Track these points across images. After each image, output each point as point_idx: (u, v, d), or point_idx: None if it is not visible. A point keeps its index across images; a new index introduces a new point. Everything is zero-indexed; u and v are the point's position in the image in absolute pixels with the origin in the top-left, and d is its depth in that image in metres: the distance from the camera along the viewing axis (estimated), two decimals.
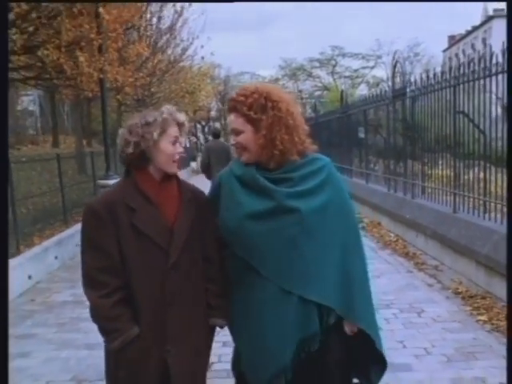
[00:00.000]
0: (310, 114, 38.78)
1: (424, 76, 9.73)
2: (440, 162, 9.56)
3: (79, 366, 4.86)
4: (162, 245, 2.53)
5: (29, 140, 24.08)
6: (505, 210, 6.93)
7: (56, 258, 8.97)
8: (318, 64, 74.89)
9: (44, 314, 6.58)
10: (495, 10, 61.99)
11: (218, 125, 72.54)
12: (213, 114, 51.85)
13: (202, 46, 25.87)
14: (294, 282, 2.55)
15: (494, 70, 7.04)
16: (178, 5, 22.89)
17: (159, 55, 21.41)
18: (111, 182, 11.04)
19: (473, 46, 69.34)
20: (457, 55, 76.17)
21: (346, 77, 74.99)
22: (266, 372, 2.60)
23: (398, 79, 11.73)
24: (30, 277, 7.76)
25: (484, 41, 63.44)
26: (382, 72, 73.08)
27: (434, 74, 9.21)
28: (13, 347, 5.33)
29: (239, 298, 2.67)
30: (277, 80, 76.86)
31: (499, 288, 6.51)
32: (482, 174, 7.86)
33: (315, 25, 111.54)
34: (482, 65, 7.39)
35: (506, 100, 6.62)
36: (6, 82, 2.84)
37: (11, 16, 8.34)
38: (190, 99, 31.81)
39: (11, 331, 5.66)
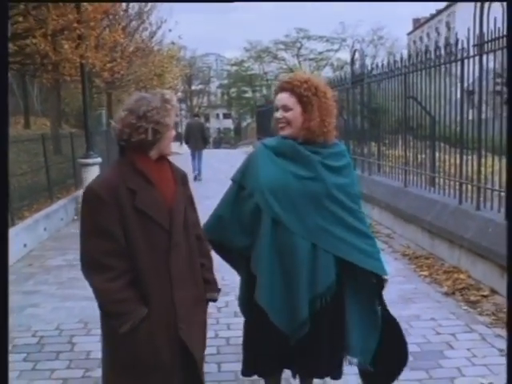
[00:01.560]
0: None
1: (380, 64, 10.72)
2: (393, 143, 10.61)
3: (83, 312, 5.71)
4: (164, 225, 2.61)
5: None
6: (450, 183, 8.00)
7: (45, 229, 9.79)
8: (283, 46, 75.12)
9: (43, 275, 7.42)
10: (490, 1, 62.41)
11: (183, 105, 72.61)
12: (180, 94, 52.41)
13: (170, 30, 26.73)
14: (319, 237, 3.01)
15: (437, 62, 8.06)
16: None
17: (128, 39, 22.00)
18: (91, 160, 11.88)
19: (437, 30, 70.49)
20: (421, 38, 77.46)
21: (310, 59, 75.55)
22: (298, 312, 3.00)
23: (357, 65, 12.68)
24: (25, 245, 8.59)
25: (448, 24, 64.30)
26: (346, 55, 73.90)
27: (388, 63, 10.21)
28: (22, 301, 6.27)
29: (271, 255, 3.01)
30: (242, 62, 77.42)
31: (440, 250, 7.60)
32: (429, 153, 8.91)
33: (280, 7, 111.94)
34: (427, 55, 8.40)
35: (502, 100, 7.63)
36: (5, 82, 2.82)
37: None
38: (158, 81, 32.28)
39: (17, 288, 6.56)
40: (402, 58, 9.48)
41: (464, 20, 6.62)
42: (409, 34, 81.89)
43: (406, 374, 4.32)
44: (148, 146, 2.63)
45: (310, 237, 2.98)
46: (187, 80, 67.22)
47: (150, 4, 24.83)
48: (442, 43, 7.56)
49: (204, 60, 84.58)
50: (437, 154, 8.80)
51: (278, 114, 3.08)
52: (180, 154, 21.65)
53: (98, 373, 4.27)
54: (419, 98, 9.04)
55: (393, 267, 7.26)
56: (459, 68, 7.35)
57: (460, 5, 58.30)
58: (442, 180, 8.35)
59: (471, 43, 6.99)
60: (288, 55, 76.45)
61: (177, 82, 39.67)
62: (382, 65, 10.51)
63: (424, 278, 6.88)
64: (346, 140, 13.48)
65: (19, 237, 8.48)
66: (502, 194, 6.44)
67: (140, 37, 25.68)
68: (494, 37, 6.49)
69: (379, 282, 3.15)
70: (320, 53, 74.40)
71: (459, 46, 7.31)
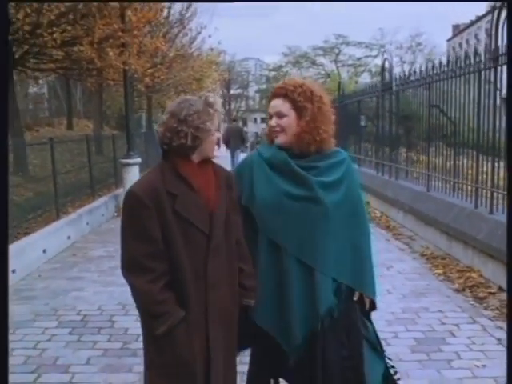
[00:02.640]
0: None
1: (405, 73, 11.17)
2: (420, 150, 11.05)
3: (122, 296, 6.27)
4: (203, 229, 2.59)
5: (45, 122, 25.48)
6: (467, 188, 8.42)
7: (87, 223, 10.51)
8: (321, 52, 75.41)
9: (86, 264, 8.09)
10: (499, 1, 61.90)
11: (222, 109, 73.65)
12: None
13: (210, 36, 27.42)
14: (316, 259, 2.85)
15: (458, 72, 8.50)
16: None
17: (169, 45, 22.73)
18: (132, 160, 12.59)
19: (476, 36, 70.12)
20: (460, 45, 77.03)
21: (349, 65, 75.72)
22: (296, 333, 2.86)
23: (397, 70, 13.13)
24: (69, 237, 9.28)
25: (487, 31, 63.97)
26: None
27: (414, 72, 10.65)
28: (67, 285, 6.94)
29: (267, 273, 2.88)
30: (280, 67, 78.01)
31: (456, 251, 8.03)
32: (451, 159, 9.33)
33: (320, 12, 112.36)
34: (451, 66, 8.84)
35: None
36: (6, 82, 2.82)
37: (52, 16, 9.79)
38: (197, 86, 33.06)
39: (63, 275, 7.23)
40: (426, 67, 9.93)
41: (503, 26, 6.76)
42: (448, 40, 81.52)
43: (407, 356, 4.86)
44: (189, 150, 2.62)
45: (306, 258, 2.86)
46: (226, 84, 67.99)
47: (190, 10, 25.60)
48: (481, 50, 7.75)
49: (243, 65, 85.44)
50: (461, 161, 9.18)
51: (273, 122, 2.95)
52: (217, 157, 22.31)
53: (135, 345, 4.94)
54: (443, 106, 9.47)
55: (409, 266, 7.76)
56: (476, 79, 7.79)
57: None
58: (461, 185, 8.76)
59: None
60: (326, 61, 76.73)
61: (215, 86, 40.51)
62: (409, 73, 10.94)
63: (438, 275, 7.33)
64: (376, 146, 13.97)
65: (63, 229, 9.19)
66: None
67: (180, 42, 26.43)
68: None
69: (369, 302, 3.06)
70: (358, 59, 74.53)
71: (477, 59, 7.75)
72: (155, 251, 2.53)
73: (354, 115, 16.13)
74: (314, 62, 77.11)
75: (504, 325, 5.50)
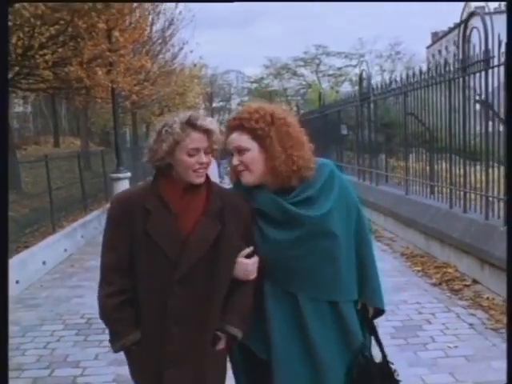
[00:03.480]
0: (295, 112, 40.55)
1: (383, 83, 11.73)
2: (397, 156, 11.59)
3: None
4: (170, 256, 2.37)
5: (32, 141, 25.82)
6: (443, 190, 8.94)
7: (82, 236, 10.92)
8: (302, 63, 76.37)
9: (84, 274, 8.50)
10: (476, 8, 62.48)
11: None
12: (201, 112, 53.69)
13: (192, 51, 27.88)
14: (338, 291, 2.57)
15: (430, 82, 9.05)
16: (168, 13, 24.79)
17: (152, 61, 23.21)
18: (122, 175, 13.03)
19: (455, 43, 71.26)
20: (440, 52, 78.12)
21: (329, 75, 76.68)
22: None
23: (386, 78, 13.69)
24: (65, 250, 9.70)
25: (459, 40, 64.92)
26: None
27: (391, 81, 11.21)
28: (69, 293, 7.36)
29: (279, 326, 2.53)
30: (262, 79, 78.84)
31: (434, 249, 8.54)
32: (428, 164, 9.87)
33: (299, 23, 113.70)
34: (424, 76, 9.39)
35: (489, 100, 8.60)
36: (5, 84, 2.79)
37: (42, 39, 10.24)
38: (180, 100, 33.56)
39: (63, 284, 7.64)
40: (401, 78, 10.48)
41: (479, 33, 7.08)
42: (428, 47, 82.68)
43: (387, 342, 5.26)
44: (166, 169, 2.45)
45: (327, 294, 2.55)
46: (208, 98, 68.42)
47: (172, 27, 26.08)
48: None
49: (224, 77, 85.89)
50: (438, 165, 9.69)
51: (234, 160, 2.54)
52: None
53: None
54: (419, 113, 10.01)
55: (390, 265, 8.26)
56: (446, 88, 8.34)
57: (477, 18, 58.73)
58: (437, 188, 9.29)
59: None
60: (307, 71, 77.66)
61: (198, 100, 41.05)
62: (385, 84, 11.50)
63: (417, 272, 7.83)
64: (357, 153, 14.51)
65: (60, 242, 9.61)
66: (487, 198, 7.36)
67: (163, 58, 26.90)
68: (475, 60, 7.48)
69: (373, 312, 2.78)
70: (339, 68, 75.53)
71: (447, 69, 8.31)
72: (118, 264, 2.42)
73: (335, 124, 16.67)
74: (295, 73, 78.03)
75: (476, 312, 6.01)
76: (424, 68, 9.87)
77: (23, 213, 10.03)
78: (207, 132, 2.39)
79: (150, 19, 21.13)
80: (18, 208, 9.84)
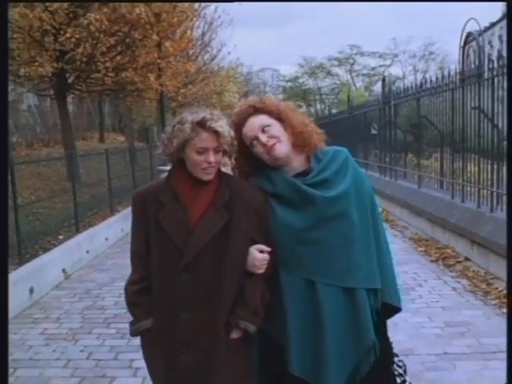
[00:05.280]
0: (326, 112, 41.71)
1: (401, 88, 13.14)
2: (414, 153, 12.98)
3: None
4: (178, 244, 2.47)
5: (80, 136, 27.75)
6: (447, 183, 10.33)
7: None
8: (336, 62, 77.36)
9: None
10: (471, 32, 60.99)
11: None
12: (216, 112, 55.14)
13: (229, 53, 29.56)
14: (353, 277, 2.58)
15: (437, 90, 10.45)
16: (208, 15, 26.48)
17: (193, 63, 24.91)
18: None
19: (490, 43, 71.41)
20: (474, 52, 78.30)
21: (363, 74, 77.71)
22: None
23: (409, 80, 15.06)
24: (122, 229, 11.35)
25: (500, 38, 64.90)
26: (398, 70, 75.84)
27: (407, 88, 12.60)
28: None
29: (295, 309, 2.56)
30: (297, 78, 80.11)
31: (437, 234, 9.94)
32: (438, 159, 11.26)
33: (334, 23, 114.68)
34: (432, 85, 10.78)
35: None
36: (5, 84, 2.88)
37: (103, 49, 11.92)
38: (217, 99, 35.21)
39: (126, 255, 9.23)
40: (416, 84, 11.87)
41: None
42: (462, 47, 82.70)
43: None
44: (179, 161, 2.54)
45: (336, 280, 2.57)
46: (244, 96, 69.80)
47: (211, 30, 27.75)
48: (494, 56, 8.24)
49: (260, 75, 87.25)
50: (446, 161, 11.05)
51: (263, 138, 2.59)
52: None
53: None
54: (432, 116, 11.39)
55: (399, 246, 9.69)
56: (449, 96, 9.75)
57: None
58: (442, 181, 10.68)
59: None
60: (341, 71, 78.65)
61: (234, 98, 42.70)
62: (404, 89, 12.90)
63: (420, 252, 9.27)
64: (379, 152, 15.91)
65: (118, 223, 11.30)
66: (481, 190, 8.72)
67: (202, 60, 28.59)
68: (472, 73, 8.86)
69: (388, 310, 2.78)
70: (373, 68, 76.34)
71: (451, 79, 9.70)
72: (141, 253, 2.57)
73: (363, 124, 18.03)
74: (329, 73, 79.02)
75: (462, 280, 7.43)
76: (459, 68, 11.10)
77: (84, 198, 11.68)
78: (216, 133, 2.45)
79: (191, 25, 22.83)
80: (79, 194, 11.47)
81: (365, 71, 77.02)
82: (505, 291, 6.75)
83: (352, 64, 76.99)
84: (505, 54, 7.59)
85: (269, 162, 2.63)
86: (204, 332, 2.48)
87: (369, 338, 2.57)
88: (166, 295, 2.50)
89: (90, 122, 33.17)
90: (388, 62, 75.42)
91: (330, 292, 2.54)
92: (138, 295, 2.56)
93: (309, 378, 2.55)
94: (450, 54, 74.93)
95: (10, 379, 4.73)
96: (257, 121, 2.63)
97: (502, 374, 4.59)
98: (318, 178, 2.60)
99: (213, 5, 24.98)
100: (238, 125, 2.64)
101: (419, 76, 61.64)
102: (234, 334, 2.52)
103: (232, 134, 2.51)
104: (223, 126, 2.47)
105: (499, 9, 62.46)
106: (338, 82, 78.68)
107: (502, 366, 4.72)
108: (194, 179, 2.52)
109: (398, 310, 2.84)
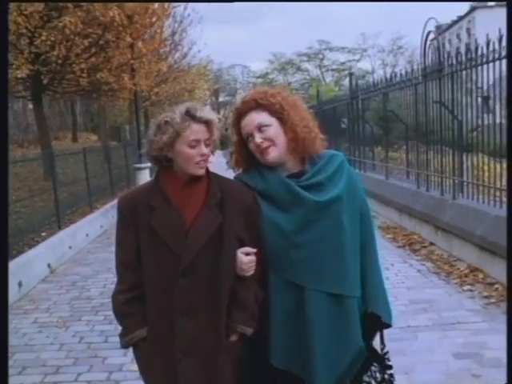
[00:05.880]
0: None
1: (368, 83, 13.66)
2: (381, 146, 13.51)
3: None
4: (174, 249, 2.40)
5: (53, 136, 27.86)
6: (413, 173, 10.85)
7: (112, 216, 12.83)
8: (306, 58, 78.05)
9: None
10: (479, 1, 60.06)
11: None
12: (208, 107, 55.65)
13: (199, 51, 29.91)
14: (343, 284, 2.52)
15: (401, 85, 10.96)
16: (178, 15, 26.77)
17: (164, 62, 25.21)
18: (143, 165, 15.00)
19: (458, 36, 72.45)
20: (443, 45, 79.32)
21: (333, 69, 78.45)
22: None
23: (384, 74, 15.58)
24: (101, 226, 11.71)
25: (468, 31, 65.84)
26: (367, 64, 76.85)
27: (374, 83, 13.12)
28: (112, 255, 9.34)
29: (282, 310, 2.51)
30: (266, 74, 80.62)
31: (404, 222, 10.49)
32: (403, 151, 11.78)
33: (303, 18, 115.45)
34: (397, 79, 11.29)
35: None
36: (5, 83, 2.81)
37: (78, 50, 12.23)
38: (189, 96, 35.50)
39: (106, 249, 9.59)
40: (381, 80, 12.39)
41: (484, 26, 7.97)
42: (431, 40, 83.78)
43: None
44: (164, 162, 2.47)
45: (333, 287, 2.51)
46: (214, 93, 70.16)
47: (180, 29, 28.03)
48: (462, 50, 8.43)
49: (230, 72, 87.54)
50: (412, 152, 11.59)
51: (257, 138, 2.52)
52: (210, 162, 24.81)
53: None
54: (398, 111, 11.92)
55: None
56: (412, 91, 10.27)
57: (480, 11, 59.77)
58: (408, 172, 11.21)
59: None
60: (311, 66, 79.32)
61: (205, 95, 43.06)
62: (370, 84, 13.43)
63: (388, 239, 9.78)
64: (348, 144, 16.43)
65: (97, 220, 11.67)
66: (444, 178, 9.24)
67: (172, 58, 28.87)
68: (434, 69, 9.38)
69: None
70: (342, 63, 77.15)
71: (413, 75, 10.22)
72: (129, 261, 2.47)
73: (332, 119, 18.50)
74: (299, 68, 79.69)
75: (426, 263, 7.94)
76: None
77: (63, 197, 11.95)
78: (207, 123, 2.41)
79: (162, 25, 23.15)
80: (58, 193, 11.76)
81: (334, 66, 77.84)
82: (466, 271, 7.30)
83: (321, 59, 77.76)
84: (463, 50, 8.14)
85: (261, 161, 2.57)
86: (203, 336, 2.43)
87: (356, 344, 2.51)
88: (162, 302, 2.43)
89: (62, 121, 33.28)
90: (357, 57, 76.42)
91: (317, 297, 2.48)
92: (129, 305, 2.47)
93: (293, 369, 2.52)
94: (418, 48, 76.13)
95: (9, 363, 5.09)
96: (255, 118, 2.55)
97: (460, 341, 5.15)
98: (312, 181, 2.55)
99: (182, 4, 25.27)
100: (239, 115, 2.60)
101: (388, 70, 62.66)
102: (233, 337, 2.50)
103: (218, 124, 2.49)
104: (212, 113, 2.45)
105: (466, 3, 63.55)
106: (308, 78, 79.32)
107: (460, 334, 5.32)
108: (183, 180, 2.46)
109: (386, 325, 2.68)
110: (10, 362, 5.10)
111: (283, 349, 2.50)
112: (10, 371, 4.91)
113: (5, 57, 2.82)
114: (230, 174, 2.74)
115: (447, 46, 74.88)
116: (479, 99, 8.53)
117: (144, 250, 2.43)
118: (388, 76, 12.33)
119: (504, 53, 6.82)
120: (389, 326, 2.68)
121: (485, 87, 7.99)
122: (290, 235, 2.46)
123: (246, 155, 2.62)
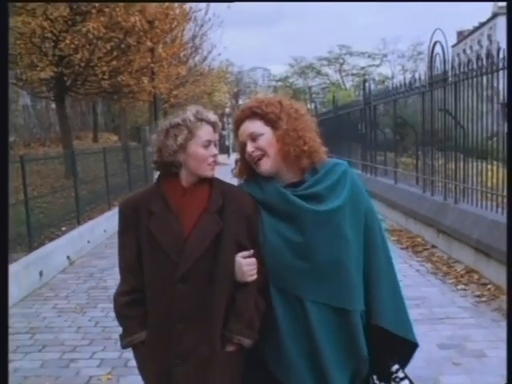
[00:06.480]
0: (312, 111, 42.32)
1: (382, 89, 14.03)
2: (392, 152, 13.88)
3: None
4: (171, 255, 2.36)
5: (74, 136, 28.53)
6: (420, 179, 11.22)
7: None
8: (326, 62, 78.26)
9: None
10: (500, 8, 59.41)
11: (231, 120, 76.07)
12: (227, 110, 56.29)
13: (219, 54, 30.43)
14: (347, 298, 2.42)
15: (410, 93, 11.34)
16: (199, 18, 27.31)
17: (184, 65, 25.76)
18: None
19: (479, 43, 72.32)
20: (464, 51, 78.78)
21: (353, 74, 78.66)
22: None
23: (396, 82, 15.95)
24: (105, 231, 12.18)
25: (489, 37, 65.62)
26: (387, 69, 76.88)
27: (387, 89, 13.49)
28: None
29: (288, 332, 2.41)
30: (286, 77, 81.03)
31: (410, 225, 10.85)
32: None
33: (324, 23, 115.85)
34: (405, 88, 11.67)
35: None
36: (6, 83, 2.83)
37: (100, 54, 12.76)
38: (208, 99, 36.07)
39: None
40: (393, 86, 12.77)
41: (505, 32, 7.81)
42: (453, 46, 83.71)
43: None
44: (169, 167, 2.45)
45: (338, 301, 2.42)
46: (234, 95, 70.66)
47: (201, 33, 28.58)
48: (483, 54, 8.39)
49: (250, 75, 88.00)
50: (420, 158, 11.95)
51: (249, 148, 2.49)
52: (226, 165, 25.24)
53: None
54: (407, 117, 12.31)
55: None
56: (420, 98, 10.64)
57: (502, 17, 59.58)
58: (415, 177, 11.57)
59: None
60: (331, 71, 79.49)
61: (225, 98, 43.56)
62: (384, 91, 13.82)
63: (393, 241, 10.14)
64: (361, 150, 16.81)
65: (115, 217, 11.92)
66: (447, 183, 9.60)
67: (193, 61, 29.43)
68: (439, 78, 9.75)
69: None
70: (362, 68, 77.16)
71: (421, 83, 10.59)
72: (131, 264, 2.46)
73: (347, 124, 18.88)
74: (319, 72, 79.88)
75: (426, 264, 8.31)
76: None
77: (83, 194, 12.48)
78: (214, 124, 2.43)
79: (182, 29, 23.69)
80: (78, 190, 12.29)
81: (354, 71, 78.00)
82: (462, 272, 7.67)
83: (341, 64, 77.93)
84: (474, 59, 8.49)
85: (256, 171, 2.52)
86: (200, 343, 2.39)
87: (361, 356, 2.43)
88: (161, 307, 2.40)
89: (83, 122, 33.98)
90: (377, 62, 76.48)
91: (318, 309, 2.39)
92: (129, 307, 2.45)
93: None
94: (438, 54, 76.15)
95: (29, 342, 5.64)
96: (248, 127, 2.49)
97: (446, 334, 5.52)
98: (310, 191, 2.44)
99: (203, 8, 25.84)
100: (237, 124, 2.57)
101: (408, 76, 62.50)
102: (229, 348, 2.43)
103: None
104: (214, 115, 2.47)
105: (489, 9, 63.34)
106: (328, 82, 79.56)
107: (448, 328, 5.71)
108: (185, 186, 2.43)
109: (398, 338, 2.51)
110: (31, 341, 5.59)
111: (296, 367, 2.41)
112: (31, 349, 5.42)
113: (5, 57, 2.75)
114: (235, 182, 2.70)
115: (468, 51, 74.75)
116: (484, 107, 8.85)
117: (144, 253, 2.42)
118: (396, 83, 12.69)
119: (501, 64, 7.20)
120: (404, 339, 2.52)
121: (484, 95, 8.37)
122: (290, 246, 2.39)
123: (247, 164, 2.57)
